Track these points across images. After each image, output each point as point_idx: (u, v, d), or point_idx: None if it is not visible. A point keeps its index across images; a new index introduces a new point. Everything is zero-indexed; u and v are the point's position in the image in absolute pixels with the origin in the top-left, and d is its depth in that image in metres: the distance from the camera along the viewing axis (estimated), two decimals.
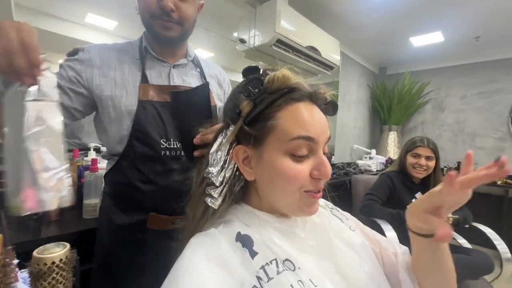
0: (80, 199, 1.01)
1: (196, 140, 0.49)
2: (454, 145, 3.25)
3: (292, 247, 0.39)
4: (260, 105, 0.38)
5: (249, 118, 0.39)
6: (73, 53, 0.66)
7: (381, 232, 1.30)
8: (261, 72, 0.41)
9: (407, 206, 1.40)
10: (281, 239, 0.39)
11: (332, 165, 2.87)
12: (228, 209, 0.43)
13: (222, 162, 0.42)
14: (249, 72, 0.41)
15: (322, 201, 0.56)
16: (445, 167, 3.06)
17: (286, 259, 0.36)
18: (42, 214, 0.87)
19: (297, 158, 0.38)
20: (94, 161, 1.00)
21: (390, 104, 3.40)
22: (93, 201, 0.96)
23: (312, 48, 2.09)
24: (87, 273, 0.75)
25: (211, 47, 3.39)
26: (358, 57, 3.35)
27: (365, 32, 2.65)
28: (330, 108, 0.43)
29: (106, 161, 0.77)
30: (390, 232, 1.33)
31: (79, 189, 1.06)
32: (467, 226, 1.46)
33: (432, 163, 1.41)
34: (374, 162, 2.84)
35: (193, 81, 0.73)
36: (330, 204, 0.57)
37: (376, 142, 3.73)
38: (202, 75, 0.76)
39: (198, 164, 0.49)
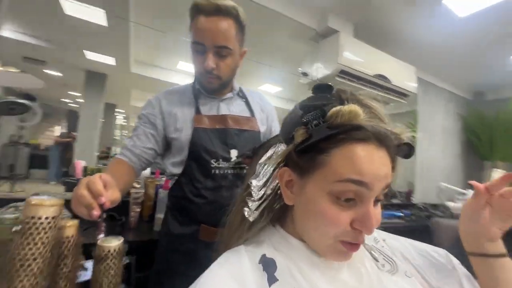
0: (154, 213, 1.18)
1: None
2: None
3: (322, 279, 0.36)
4: (315, 137, 0.34)
5: (300, 148, 0.35)
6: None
7: None
8: (333, 92, 0.37)
9: None
10: (310, 269, 0.36)
11: (412, 205, 2.46)
12: (264, 230, 0.42)
13: (265, 179, 0.40)
14: (319, 90, 0.37)
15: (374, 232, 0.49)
16: None
17: None
18: (126, 220, 1.05)
19: (341, 202, 0.33)
20: (166, 181, 1.17)
21: (491, 136, 2.78)
22: (163, 215, 1.11)
23: (381, 76, 1.99)
24: None
25: (277, 82, 3.61)
26: (443, 82, 2.96)
27: (448, 54, 2.36)
28: (404, 150, 0.36)
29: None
30: None
31: (154, 204, 1.25)
32: None
33: None
34: None
35: (238, 110, 0.86)
36: (383, 234, 0.48)
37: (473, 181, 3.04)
38: (247, 103, 0.89)
39: (249, 170, 0.48)
